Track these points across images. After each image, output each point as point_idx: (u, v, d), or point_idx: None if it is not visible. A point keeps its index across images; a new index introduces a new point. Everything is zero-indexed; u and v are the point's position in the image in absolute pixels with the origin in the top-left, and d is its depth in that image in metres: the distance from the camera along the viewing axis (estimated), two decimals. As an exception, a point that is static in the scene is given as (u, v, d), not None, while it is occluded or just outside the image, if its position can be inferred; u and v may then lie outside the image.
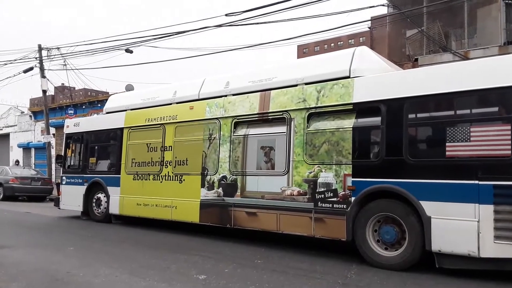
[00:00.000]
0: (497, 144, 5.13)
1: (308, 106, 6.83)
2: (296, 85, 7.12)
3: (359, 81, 6.40)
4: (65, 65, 21.82)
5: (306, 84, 7.01)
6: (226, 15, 13.52)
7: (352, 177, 6.23)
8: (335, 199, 6.36)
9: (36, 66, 21.84)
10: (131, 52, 19.09)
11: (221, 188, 7.77)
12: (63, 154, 11.36)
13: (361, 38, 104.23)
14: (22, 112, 34.04)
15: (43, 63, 21.82)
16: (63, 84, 33.24)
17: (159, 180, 8.85)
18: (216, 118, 8.04)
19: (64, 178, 11.25)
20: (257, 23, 14.49)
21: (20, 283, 4.82)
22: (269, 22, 17.51)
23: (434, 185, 5.49)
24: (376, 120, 6.12)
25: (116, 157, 9.91)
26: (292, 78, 7.24)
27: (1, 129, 33.60)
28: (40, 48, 21.81)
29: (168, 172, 8.70)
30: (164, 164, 8.80)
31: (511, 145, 5.01)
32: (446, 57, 14.75)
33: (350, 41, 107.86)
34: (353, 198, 6.19)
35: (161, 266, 5.72)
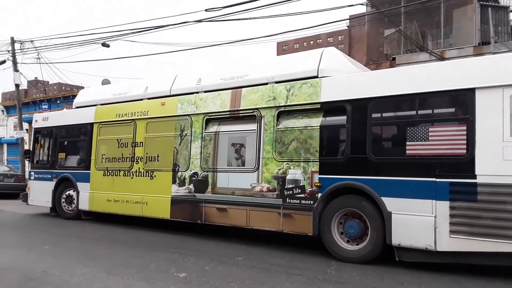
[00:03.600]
0: (454, 144, 5.51)
1: (278, 105, 7.10)
2: (266, 84, 7.38)
3: (326, 81, 6.69)
4: (38, 58, 21.52)
5: (276, 82, 7.27)
6: (206, 10, 13.50)
7: (319, 174, 6.54)
8: (302, 195, 6.66)
9: (8, 60, 21.46)
10: (107, 46, 18.93)
11: (192, 184, 7.97)
12: (31, 149, 11.32)
13: (339, 37, 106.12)
14: (-6, 107, 33.27)
15: (16, 57, 21.41)
16: (36, 78, 32.53)
17: (130, 176, 8.97)
18: (188, 115, 8.22)
19: (32, 173, 11.21)
20: (237, 19, 14.59)
21: (-7, 283, 4.86)
22: (249, 18, 17.53)
23: (395, 182, 5.84)
24: (342, 119, 6.44)
25: (86, 153, 9.96)
26: (263, 77, 7.49)
27: (-27, 124, 32.73)
28: (13, 41, 21.34)
29: (139, 168, 8.84)
30: (135, 160, 8.93)
31: (466, 144, 5.41)
32: (423, 57, 15.15)
33: (329, 39, 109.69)
34: (319, 194, 6.49)
35: (140, 264, 5.77)
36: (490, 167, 5.22)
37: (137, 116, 9.02)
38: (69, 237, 8.02)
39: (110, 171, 9.36)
